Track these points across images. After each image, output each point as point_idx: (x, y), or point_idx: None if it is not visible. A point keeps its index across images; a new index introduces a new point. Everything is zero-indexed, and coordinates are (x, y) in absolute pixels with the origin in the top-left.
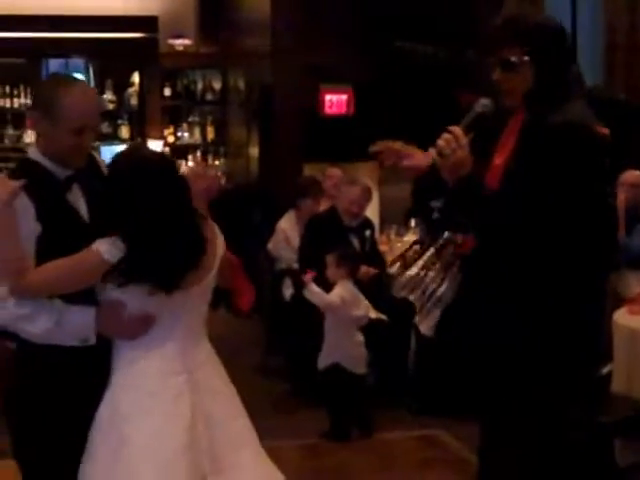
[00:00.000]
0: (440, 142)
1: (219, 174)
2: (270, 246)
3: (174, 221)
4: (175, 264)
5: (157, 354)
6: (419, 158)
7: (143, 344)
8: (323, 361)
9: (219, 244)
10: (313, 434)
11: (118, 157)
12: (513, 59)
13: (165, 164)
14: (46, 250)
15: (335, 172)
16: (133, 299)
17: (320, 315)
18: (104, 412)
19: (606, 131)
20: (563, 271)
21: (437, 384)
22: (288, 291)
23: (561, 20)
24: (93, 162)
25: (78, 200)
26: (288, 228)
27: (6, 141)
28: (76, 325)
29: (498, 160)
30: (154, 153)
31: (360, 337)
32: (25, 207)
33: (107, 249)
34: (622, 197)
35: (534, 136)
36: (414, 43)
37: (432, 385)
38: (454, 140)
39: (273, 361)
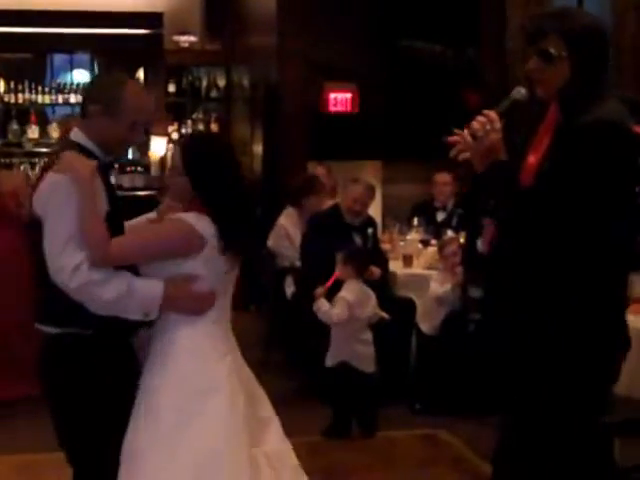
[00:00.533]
0: (474, 124)
1: None
2: (270, 243)
3: (244, 195)
4: (253, 230)
5: (215, 331)
6: None
7: (202, 322)
8: (331, 359)
9: None
10: (314, 431)
11: (194, 142)
12: (552, 51)
13: (230, 146)
14: (111, 228)
15: (320, 171)
16: (210, 274)
17: None
18: (162, 382)
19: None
20: (587, 270)
21: (438, 383)
22: (290, 289)
23: None
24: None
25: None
26: (289, 225)
27: (10, 136)
28: (145, 295)
29: (532, 158)
30: (219, 136)
31: (369, 335)
32: (99, 186)
33: (202, 225)
34: None
35: (567, 134)
36: (419, 42)
37: (433, 384)
38: (488, 123)
39: (274, 357)
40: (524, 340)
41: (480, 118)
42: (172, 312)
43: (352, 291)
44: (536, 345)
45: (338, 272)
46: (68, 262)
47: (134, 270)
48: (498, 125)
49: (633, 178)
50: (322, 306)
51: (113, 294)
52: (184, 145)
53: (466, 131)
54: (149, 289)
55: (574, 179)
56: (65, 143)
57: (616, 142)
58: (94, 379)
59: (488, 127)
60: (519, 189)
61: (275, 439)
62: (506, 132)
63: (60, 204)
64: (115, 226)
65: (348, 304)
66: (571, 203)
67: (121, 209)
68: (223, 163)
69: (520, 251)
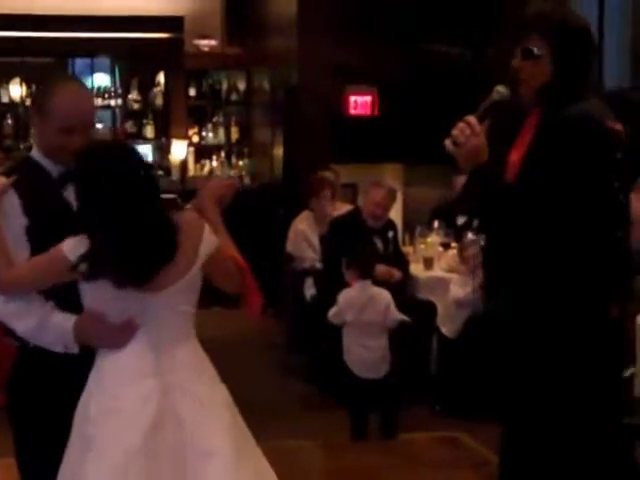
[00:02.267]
0: (454, 131)
1: (236, 182)
2: (289, 247)
3: (132, 215)
4: (138, 257)
5: (128, 355)
6: None
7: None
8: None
9: (205, 242)
10: (336, 434)
11: (80, 154)
12: (535, 49)
13: (121, 155)
14: (40, 243)
15: (328, 176)
16: (101, 296)
17: None
18: (77, 414)
19: (619, 127)
20: (571, 267)
21: (458, 385)
22: (309, 291)
23: (587, 17)
24: None
25: (71, 196)
26: (306, 228)
27: (31, 140)
28: (57, 331)
29: (515, 156)
30: (111, 145)
31: (377, 342)
32: (13, 204)
33: (71, 246)
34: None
35: (548, 131)
36: (440, 44)
37: (454, 386)
38: (468, 128)
39: (295, 360)
40: (531, 339)
41: (459, 124)
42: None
43: (351, 294)
44: (540, 343)
45: (346, 276)
46: None
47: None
48: (478, 129)
49: (611, 172)
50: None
51: (25, 327)
52: (76, 156)
53: (447, 140)
54: (61, 324)
55: (553, 174)
56: (20, 161)
57: (592, 136)
58: (44, 394)
59: (467, 132)
60: (502, 187)
61: (213, 473)
62: (491, 132)
63: None
64: (39, 241)
65: (339, 306)
66: (550, 198)
67: (60, 223)
68: (96, 176)
69: (507, 250)
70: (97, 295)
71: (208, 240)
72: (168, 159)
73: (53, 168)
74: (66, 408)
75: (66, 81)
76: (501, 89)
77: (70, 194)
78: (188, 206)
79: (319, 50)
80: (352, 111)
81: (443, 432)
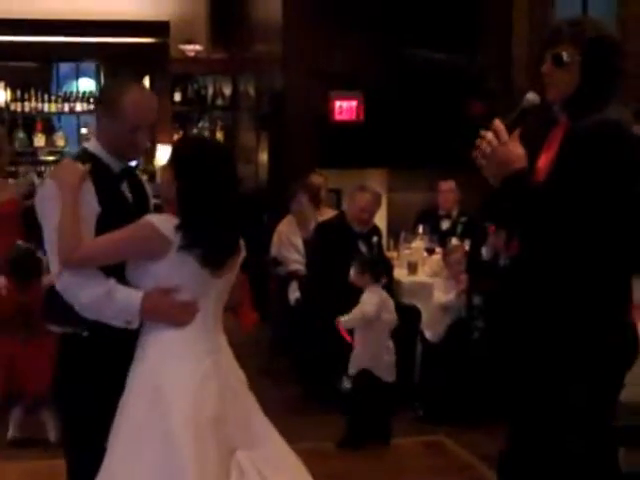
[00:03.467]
0: (482, 143)
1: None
2: (274, 251)
3: (226, 203)
4: (226, 238)
5: (195, 334)
6: None
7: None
8: (353, 366)
9: (242, 244)
10: (318, 439)
11: (183, 142)
12: (565, 55)
13: (225, 151)
14: (102, 232)
15: (317, 180)
16: (182, 278)
17: (327, 320)
18: (140, 383)
19: None
20: (595, 272)
21: (442, 390)
22: (294, 295)
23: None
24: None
25: (127, 190)
26: (290, 232)
27: (16, 144)
28: (123, 303)
29: (542, 162)
30: (215, 141)
31: (391, 343)
32: (90, 189)
33: (157, 220)
34: None
35: (575, 138)
36: (424, 50)
37: (437, 391)
38: (494, 138)
39: (278, 364)
40: (535, 344)
41: (487, 135)
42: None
43: (377, 294)
44: (546, 348)
45: (355, 280)
46: (56, 265)
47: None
48: (505, 137)
49: (636, 178)
50: (345, 321)
51: (90, 298)
52: (175, 147)
53: (475, 152)
54: (128, 298)
55: (579, 180)
56: (79, 151)
57: (617, 143)
58: (87, 379)
59: (495, 143)
60: (536, 192)
61: (270, 445)
62: (524, 138)
63: (46, 210)
64: (107, 229)
65: (376, 305)
66: (576, 205)
67: (126, 215)
68: (212, 172)
69: (538, 257)
70: (173, 272)
71: (242, 244)
72: (153, 164)
73: (114, 163)
74: (113, 395)
75: (133, 82)
76: (531, 96)
77: (125, 188)
78: None
79: (304, 55)
80: (337, 116)
81: (427, 437)
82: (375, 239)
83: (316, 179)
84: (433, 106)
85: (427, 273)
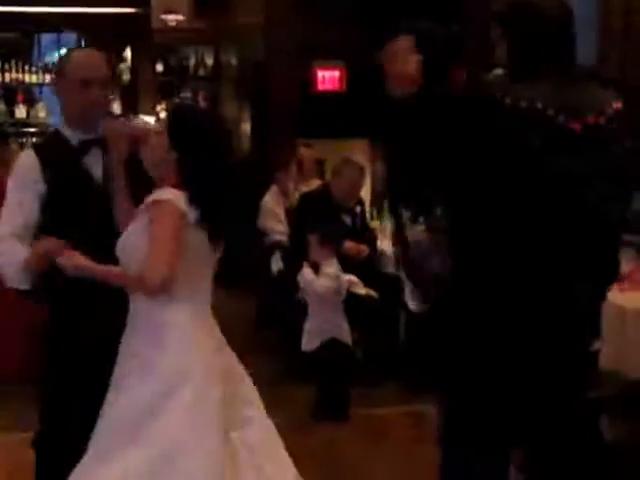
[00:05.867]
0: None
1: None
2: (259, 223)
3: (229, 175)
4: (230, 215)
5: (205, 309)
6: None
7: (190, 302)
8: (314, 339)
9: None
10: (301, 411)
11: (180, 111)
12: (493, 35)
13: (221, 121)
14: (55, 209)
15: (307, 152)
16: (194, 248)
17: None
18: (143, 353)
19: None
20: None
21: (426, 361)
22: (276, 265)
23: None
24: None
25: (95, 164)
26: (273, 203)
27: None
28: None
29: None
30: (208, 110)
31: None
32: (32, 167)
33: (175, 198)
34: None
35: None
36: (405, 19)
37: (421, 361)
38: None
39: (262, 336)
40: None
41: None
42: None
43: (333, 270)
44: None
45: (313, 255)
46: None
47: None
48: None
49: (511, 156)
50: (307, 275)
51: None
52: (172, 115)
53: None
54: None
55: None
56: (45, 133)
57: (485, 117)
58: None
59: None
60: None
61: (258, 429)
62: None
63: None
64: (61, 204)
65: (337, 276)
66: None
67: (86, 189)
68: (215, 143)
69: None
70: (186, 247)
71: None
72: None
73: (73, 136)
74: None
75: (80, 48)
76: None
77: (91, 161)
78: None
79: (286, 26)
80: (320, 86)
81: (411, 406)
82: (358, 209)
83: (305, 151)
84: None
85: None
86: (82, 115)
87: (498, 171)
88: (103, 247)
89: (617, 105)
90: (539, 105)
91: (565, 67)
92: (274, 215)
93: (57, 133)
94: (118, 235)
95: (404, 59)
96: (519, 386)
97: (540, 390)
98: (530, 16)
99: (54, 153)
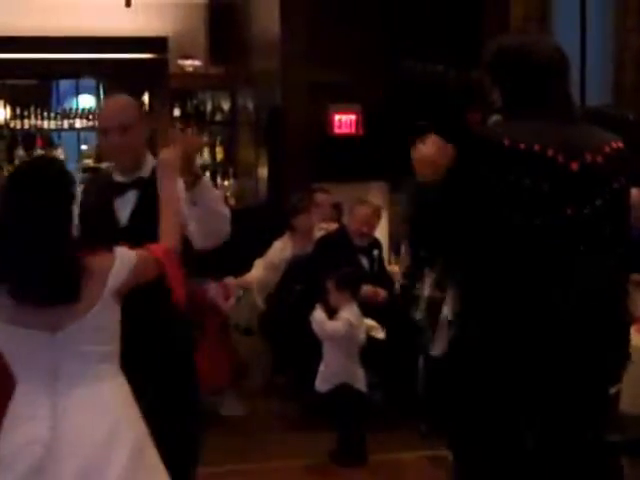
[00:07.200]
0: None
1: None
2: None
3: (35, 245)
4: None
5: (19, 397)
6: None
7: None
8: (326, 383)
9: (114, 275)
10: (322, 454)
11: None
12: (486, 84)
13: (45, 181)
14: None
15: (323, 198)
16: None
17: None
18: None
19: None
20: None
21: (444, 405)
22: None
23: (570, 39)
24: None
25: (126, 206)
26: (275, 251)
27: (16, 162)
28: None
29: None
30: (39, 166)
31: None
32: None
33: None
34: None
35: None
36: (423, 63)
37: (441, 406)
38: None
39: (278, 380)
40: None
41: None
42: None
43: (352, 314)
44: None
45: (332, 300)
46: None
47: None
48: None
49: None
50: (318, 316)
51: None
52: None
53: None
54: None
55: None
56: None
57: (479, 158)
58: None
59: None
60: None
61: None
62: None
63: None
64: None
65: (350, 323)
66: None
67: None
68: (10, 196)
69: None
70: None
71: (118, 268)
72: None
73: (115, 177)
74: None
75: (113, 95)
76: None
77: (123, 203)
78: None
79: (302, 70)
80: (337, 130)
81: (431, 451)
82: (376, 253)
83: (320, 196)
84: (432, 119)
85: (429, 287)
86: (109, 159)
87: (508, 217)
88: None
89: (617, 144)
90: (536, 147)
91: (557, 110)
92: (273, 269)
93: (107, 172)
94: None
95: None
96: (536, 431)
97: (557, 437)
98: (515, 62)
99: (93, 187)
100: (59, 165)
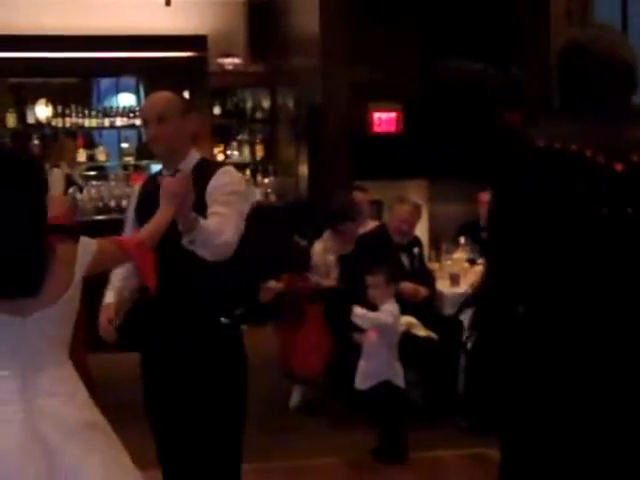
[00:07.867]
0: None
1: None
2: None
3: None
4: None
5: None
6: None
7: None
8: (367, 380)
9: (79, 260)
10: (363, 451)
11: None
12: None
13: (10, 172)
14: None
15: (359, 196)
16: None
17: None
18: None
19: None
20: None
21: (487, 403)
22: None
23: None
24: (204, 169)
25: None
26: (318, 253)
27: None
28: None
29: None
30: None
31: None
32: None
33: None
34: None
35: None
36: (463, 61)
37: (480, 402)
38: None
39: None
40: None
41: None
42: None
43: (394, 308)
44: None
45: (377, 295)
46: None
47: None
48: None
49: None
50: (357, 310)
51: None
52: None
53: None
54: None
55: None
56: None
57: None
58: None
59: None
60: None
61: None
62: None
63: None
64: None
65: (394, 314)
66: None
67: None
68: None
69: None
70: None
71: (82, 256)
72: None
73: (164, 170)
74: None
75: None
76: None
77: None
78: None
79: (342, 67)
80: (376, 128)
81: (471, 449)
82: (416, 250)
83: (358, 195)
84: (471, 117)
85: (470, 284)
86: (151, 150)
87: (547, 221)
88: None
89: None
90: (574, 147)
91: (604, 107)
92: (322, 267)
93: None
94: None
95: None
96: (582, 433)
97: (620, 439)
98: (577, 59)
99: (147, 182)
100: (26, 155)
